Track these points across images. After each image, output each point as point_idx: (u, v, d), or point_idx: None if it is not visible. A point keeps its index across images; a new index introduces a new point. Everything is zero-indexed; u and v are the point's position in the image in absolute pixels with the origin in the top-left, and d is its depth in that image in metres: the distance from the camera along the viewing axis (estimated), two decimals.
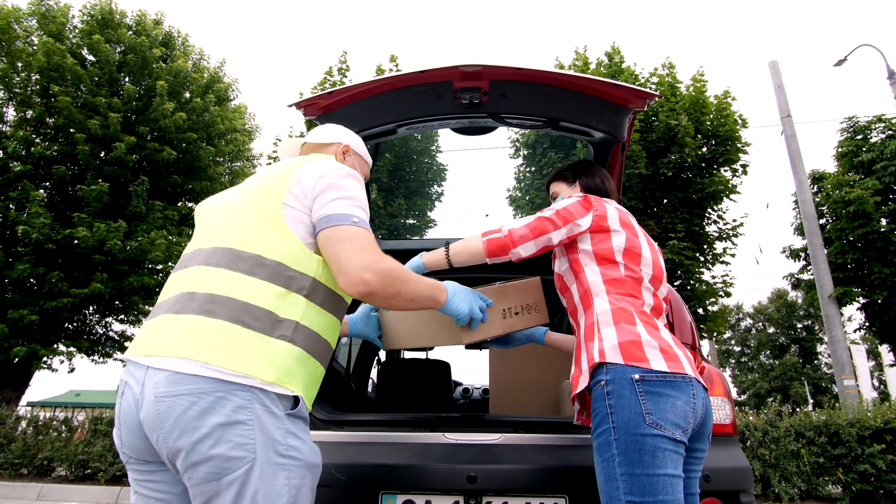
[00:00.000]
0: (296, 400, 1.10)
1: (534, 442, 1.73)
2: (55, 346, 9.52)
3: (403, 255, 2.84)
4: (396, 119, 2.10)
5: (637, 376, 1.27)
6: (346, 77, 10.82)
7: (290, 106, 2.08)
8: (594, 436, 1.33)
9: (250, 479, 1.00)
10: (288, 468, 1.05)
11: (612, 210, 1.55)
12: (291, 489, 1.04)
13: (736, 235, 10.32)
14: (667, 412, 1.25)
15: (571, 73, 1.92)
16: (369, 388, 3.85)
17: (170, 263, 10.12)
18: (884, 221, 10.71)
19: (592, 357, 1.36)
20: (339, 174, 1.27)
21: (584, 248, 1.51)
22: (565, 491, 1.63)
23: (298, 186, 1.22)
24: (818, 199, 11.39)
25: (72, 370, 10.55)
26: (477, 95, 1.94)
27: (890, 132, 11.45)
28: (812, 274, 10.53)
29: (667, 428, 1.24)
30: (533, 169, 10.33)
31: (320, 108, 2.11)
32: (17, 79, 9.74)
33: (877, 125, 11.61)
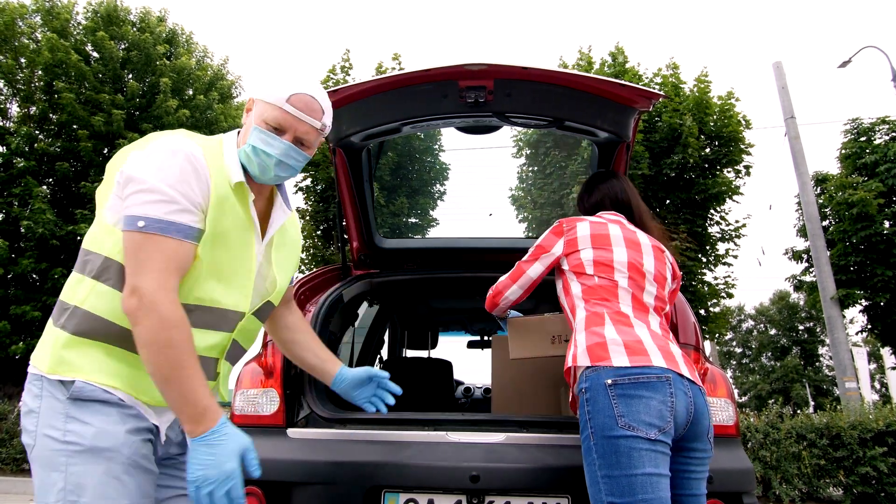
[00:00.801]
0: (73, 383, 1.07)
1: (536, 441, 1.73)
2: None
3: (405, 255, 2.84)
4: (401, 118, 2.10)
5: (610, 381, 1.33)
6: (349, 75, 10.80)
7: None
8: (581, 441, 1.40)
9: (33, 464, 1.07)
10: (66, 454, 1.03)
11: (585, 228, 1.65)
12: (70, 476, 1.02)
13: (738, 237, 10.28)
14: (640, 413, 1.29)
15: (576, 72, 1.92)
16: None
17: None
18: (887, 224, 10.68)
19: (567, 362, 1.47)
20: (142, 157, 1.09)
21: (565, 268, 1.66)
22: (568, 491, 1.63)
23: (119, 173, 1.12)
24: (821, 201, 11.35)
25: None
26: (482, 94, 1.94)
27: (894, 134, 11.41)
28: (814, 276, 10.51)
29: (640, 428, 1.28)
30: (536, 168, 10.31)
31: None
32: (21, 75, 9.76)
33: (881, 127, 11.58)
